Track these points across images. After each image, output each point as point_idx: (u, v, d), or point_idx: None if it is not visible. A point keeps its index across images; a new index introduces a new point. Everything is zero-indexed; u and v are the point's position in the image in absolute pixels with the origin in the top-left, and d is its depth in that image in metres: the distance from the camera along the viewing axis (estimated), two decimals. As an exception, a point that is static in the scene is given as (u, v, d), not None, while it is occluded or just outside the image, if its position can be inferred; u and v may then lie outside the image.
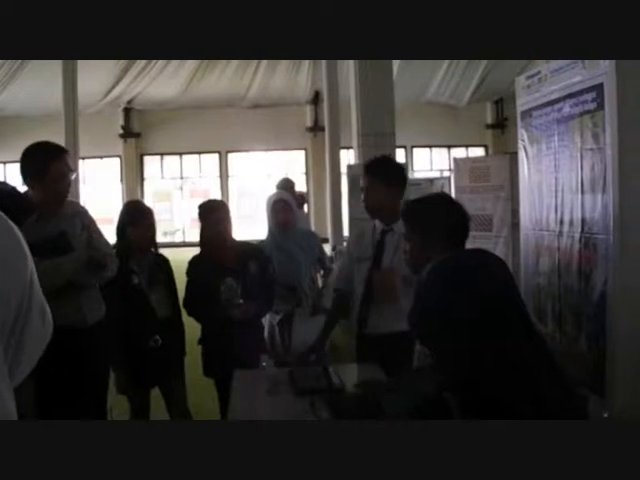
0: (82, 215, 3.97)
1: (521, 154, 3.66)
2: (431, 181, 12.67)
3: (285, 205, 5.13)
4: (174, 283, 4.46)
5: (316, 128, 20.79)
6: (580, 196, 2.99)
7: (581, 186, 2.98)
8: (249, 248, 4.67)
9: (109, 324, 4.02)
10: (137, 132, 21.53)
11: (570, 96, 3.02)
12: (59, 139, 15.39)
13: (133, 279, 4.18)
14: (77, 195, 14.19)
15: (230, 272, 4.36)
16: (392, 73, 11.14)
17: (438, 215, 2.74)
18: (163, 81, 18.74)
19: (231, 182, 22.59)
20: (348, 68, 11.63)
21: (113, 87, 19.07)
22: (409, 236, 2.81)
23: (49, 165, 3.70)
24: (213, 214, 4.49)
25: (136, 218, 4.22)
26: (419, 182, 13.81)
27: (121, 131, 21.31)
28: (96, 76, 17.28)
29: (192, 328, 4.64)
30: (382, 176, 3.76)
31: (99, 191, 21.24)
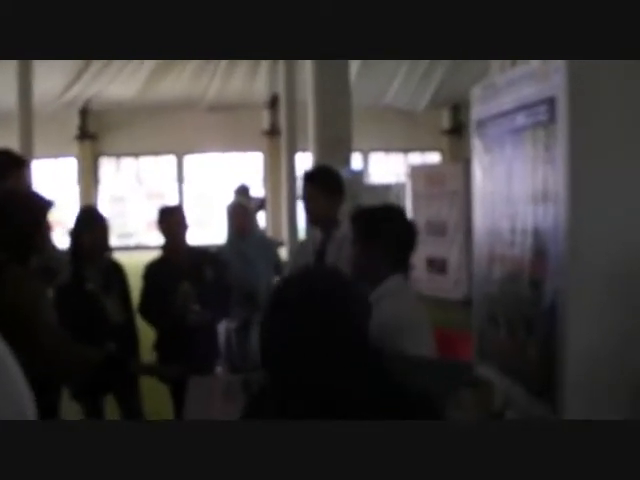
0: None
1: (475, 163, 3.71)
2: (388, 187, 12.76)
3: (243, 211, 5.16)
4: (128, 289, 4.44)
5: (273, 131, 20.77)
6: (532, 206, 3.04)
7: (533, 196, 3.03)
8: (205, 253, 4.69)
9: (62, 330, 3.98)
10: (93, 133, 21.28)
11: (523, 107, 3.06)
12: (13, 140, 15.19)
13: (87, 285, 4.15)
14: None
15: (186, 277, 4.37)
16: (349, 77, 11.20)
17: (386, 226, 2.78)
18: (120, 82, 18.56)
19: (187, 185, 22.44)
20: (305, 72, 11.67)
21: (69, 88, 18.83)
22: (355, 242, 2.85)
23: (5, 174, 3.75)
24: (170, 219, 4.50)
25: (89, 224, 4.19)
26: (375, 187, 13.93)
27: (77, 132, 21.04)
28: (52, 77, 17.05)
29: (147, 334, 4.63)
30: (320, 185, 3.81)
31: (53, 193, 20.96)
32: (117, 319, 4.26)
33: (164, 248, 4.59)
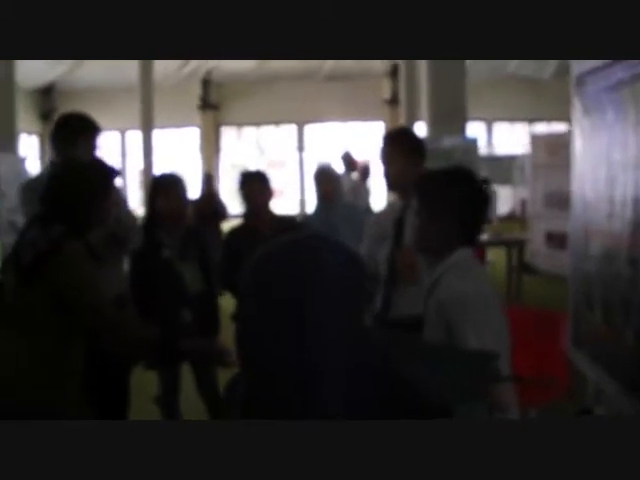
0: None
1: (574, 127, 3.31)
2: (512, 157, 12.22)
3: (329, 177, 4.92)
4: (208, 257, 4.28)
5: (394, 100, 20.36)
6: (632, 173, 2.64)
7: (635, 162, 2.63)
8: (288, 221, 4.50)
9: (137, 298, 3.87)
10: (215, 103, 21.52)
11: (623, 59, 2.65)
12: (135, 110, 15.55)
13: (162, 252, 4.01)
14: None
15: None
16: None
17: (453, 193, 2.44)
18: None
19: (308, 154, 22.39)
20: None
21: (190, 60, 19.06)
22: (419, 211, 2.53)
23: (77, 139, 3.73)
24: (250, 185, 4.32)
25: (165, 189, 4.04)
26: (500, 158, 13.35)
27: (199, 102, 21.32)
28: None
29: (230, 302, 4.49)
30: (399, 147, 3.50)
31: (176, 161, 21.31)
32: (196, 288, 4.11)
33: (245, 215, 4.41)
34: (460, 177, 2.51)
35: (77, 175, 2.93)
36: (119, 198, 3.86)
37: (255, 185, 4.34)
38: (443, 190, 2.45)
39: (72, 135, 3.76)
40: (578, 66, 3.20)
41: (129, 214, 3.96)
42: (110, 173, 3.09)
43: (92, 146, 3.80)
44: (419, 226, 2.52)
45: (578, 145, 3.30)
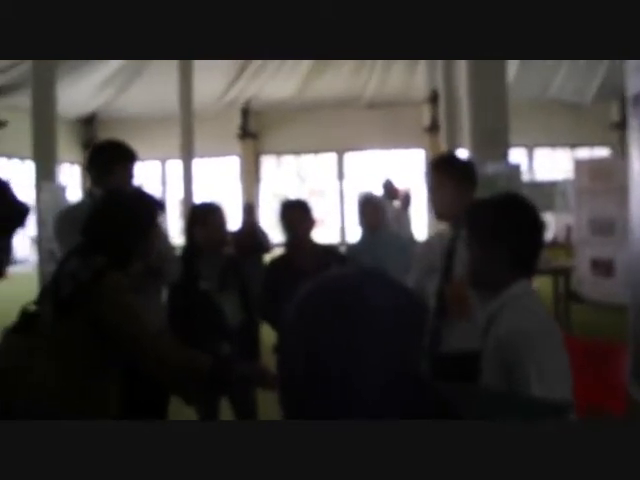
0: None
1: (632, 149, 3.15)
2: (553, 183, 12.00)
3: (373, 205, 4.81)
4: (248, 287, 4.17)
5: (434, 127, 20.26)
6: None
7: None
8: (330, 252, 4.37)
9: (174, 331, 3.76)
10: (254, 132, 21.62)
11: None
12: (175, 140, 15.64)
13: (201, 284, 3.91)
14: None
15: (307, 277, 4.05)
16: (505, 70, 10.62)
17: (503, 222, 2.29)
18: (279, 81, 18.74)
19: (348, 182, 22.35)
20: (462, 65, 11.20)
21: (230, 88, 19.23)
22: (470, 243, 2.38)
23: (114, 167, 3.67)
24: (291, 214, 4.22)
25: (203, 218, 3.95)
26: (541, 184, 13.13)
27: (239, 131, 21.44)
28: (213, 78, 17.44)
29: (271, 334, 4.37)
30: (448, 173, 3.34)
31: (216, 191, 21.40)
32: (235, 319, 4.00)
33: (286, 245, 4.30)
34: (511, 205, 2.36)
35: (122, 208, 2.86)
36: (161, 231, 3.78)
37: (296, 214, 4.23)
38: (494, 220, 2.30)
39: (108, 163, 3.69)
40: (634, 86, 3.05)
41: (169, 247, 3.86)
42: (155, 207, 3.01)
43: (129, 174, 3.72)
44: (470, 259, 2.37)
45: (636, 167, 3.13)
